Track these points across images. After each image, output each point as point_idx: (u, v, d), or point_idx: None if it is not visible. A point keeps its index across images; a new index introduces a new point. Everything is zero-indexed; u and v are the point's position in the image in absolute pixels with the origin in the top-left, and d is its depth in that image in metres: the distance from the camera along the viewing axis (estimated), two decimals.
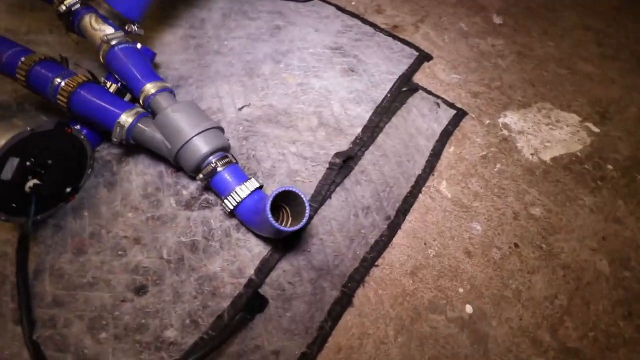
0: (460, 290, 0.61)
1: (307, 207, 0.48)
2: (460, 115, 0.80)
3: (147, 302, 0.53)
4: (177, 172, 0.63)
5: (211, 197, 0.61)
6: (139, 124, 0.56)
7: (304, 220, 0.47)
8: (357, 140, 0.70)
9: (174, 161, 0.57)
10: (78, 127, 0.63)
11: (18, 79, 0.55)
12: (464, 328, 0.58)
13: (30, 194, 0.51)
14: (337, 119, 0.72)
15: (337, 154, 0.66)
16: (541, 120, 0.84)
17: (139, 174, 0.63)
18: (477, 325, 0.58)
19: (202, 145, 0.54)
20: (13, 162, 0.48)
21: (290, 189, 0.47)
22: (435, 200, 0.69)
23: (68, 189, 0.58)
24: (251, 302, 0.53)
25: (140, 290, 0.54)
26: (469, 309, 0.60)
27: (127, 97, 0.65)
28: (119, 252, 0.56)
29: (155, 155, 0.62)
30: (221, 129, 0.59)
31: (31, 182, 0.51)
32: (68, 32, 0.64)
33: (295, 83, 0.76)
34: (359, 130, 0.71)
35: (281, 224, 0.50)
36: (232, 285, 0.55)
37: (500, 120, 0.82)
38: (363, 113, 0.74)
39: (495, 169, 0.75)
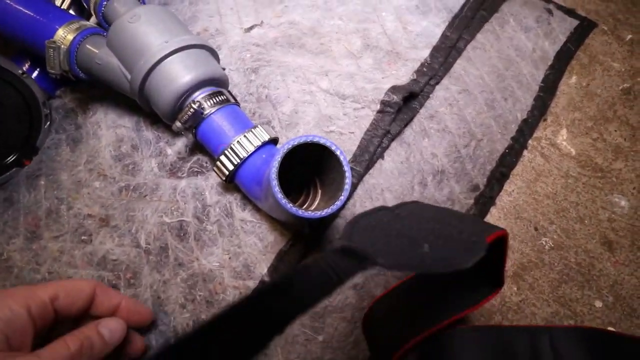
0: (598, 304, 0.38)
1: (348, 175, 0.26)
2: (585, 27, 0.51)
3: None
4: (158, 122, 0.44)
5: (206, 158, 0.41)
6: (86, 45, 0.36)
7: (342, 198, 0.26)
8: (424, 69, 0.45)
9: (141, 101, 0.37)
10: (27, 64, 0.45)
11: None
12: None
13: None
14: (391, 38, 0.48)
15: (393, 89, 0.43)
16: None
17: (110, 126, 0.44)
18: None
19: (179, 72, 0.34)
20: None
21: (315, 138, 0.26)
22: (551, 160, 0.44)
23: (16, 151, 0.42)
24: None
25: None
26: None
27: (93, 20, 0.45)
28: (82, 238, 0.40)
29: (131, 100, 0.43)
30: (212, 51, 0.38)
31: None
32: None
33: None
34: (426, 53, 0.46)
35: (305, 202, 0.30)
36: (235, 290, 0.36)
37: None
38: (432, 27, 0.48)
39: None
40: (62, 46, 0.35)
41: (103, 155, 0.43)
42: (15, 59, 0.45)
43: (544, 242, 0.40)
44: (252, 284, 0.36)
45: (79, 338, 0.25)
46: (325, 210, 0.26)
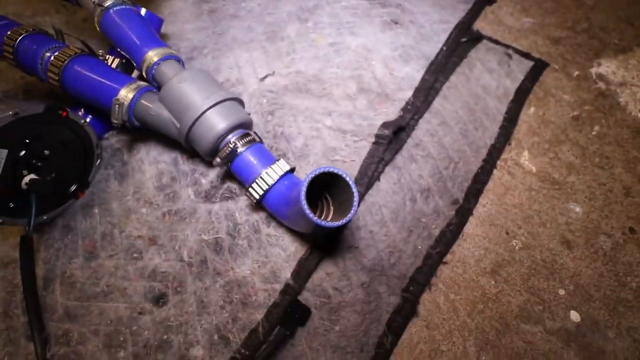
0: (561, 292, 0.46)
1: (355, 194, 0.36)
2: (539, 67, 0.63)
3: (168, 314, 0.44)
4: (193, 158, 0.53)
5: (234, 185, 0.51)
6: (142, 101, 0.46)
7: (352, 211, 0.35)
8: (409, 107, 0.56)
9: (186, 144, 0.47)
10: (81, 113, 0.55)
11: (6, 57, 0.47)
12: (571, 342, 0.44)
13: (28, 191, 0.44)
14: (380, 82, 0.59)
15: (384, 125, 0.53)
16: None
17: (152, 162, 0.54)
18: (588, 338, 0.44)
19: (217, 121, 0.43)
20: (1, 154, 0.41)
21: (332, 169, 0.35)
22: (516, 177, 0.53)
23: (74, 185, 0.50)
24: (290, 314, 0.42)
25: (160, 299, 0.45)
26: (574, 316, 0.45)
27: (135, 74, 0.56)
28: (134, 255, 0.48)
29: (169, 139, 0.53)
30: (240, 102, 0.48)
31: (27, 178, 0.43)
32: (62, 2, 0.55)
33: (326, 44, 0.63)
34: (409, 94, 0.57)
35: (320, 217, 0.39)
36: (265, 292, 0.44)
37: (593, 70, 0.63)
38: (413, 73, 0.59)
39: (594, 133, 0.57)
40: (125, 102, 0.45)
41: (147, 186, 0.52)
42: (72, 108, 0.55)
43: (514, 244, 0.49)
44: (278, 286, 0.44)
45: None
46: (341, 221, 0.35)
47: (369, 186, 0.50)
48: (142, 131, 0.56)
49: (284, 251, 0.46)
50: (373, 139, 0.52)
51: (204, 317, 0.43)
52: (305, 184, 0.34)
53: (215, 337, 0.42)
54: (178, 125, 0.45)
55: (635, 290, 0.46)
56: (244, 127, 0.47)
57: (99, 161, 0.54)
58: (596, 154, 0.55)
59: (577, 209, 0.51)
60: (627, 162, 0.55)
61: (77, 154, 0.51)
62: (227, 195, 0.50)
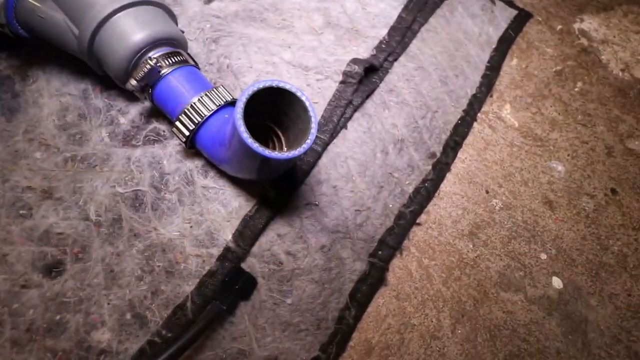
0: (543, 256, 0.41)
1: (313, 117, 0.27)
2: (523, 17, 0.57)
3: (64, 287, 0.33)
4: (109, 90, 0.41)
5: (163, 126, 0.40)
6: None
7: (310, 139, 0.27)
8: (383, 46, 0.47)
9: (90, 60, 0.35)
10: None
11: None
12: (553, 311, 0.39)
13: None
14: (351, 17, 0.49)
15: (354, 61, 0.44)
16: (629, 27, 0.61)
17: (54, 94, 0.41)
18: (571, 306, 0.39)
19: (132, 28, 0.32)
20: None
21: (279, 83, 0.26)
22: (497, 131, 0.47)
23: None
24: (229, 284, 0.33)
25: (53, 269, 0.34)
26: (557, 282, 0.40)
27: None
28: (21, 212, 0.36)
29: (79, 65, 0.40)
30: (168, 11, 0.37)
31: None
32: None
33: None
34: (384, 32, 0.49)
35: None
36: (197, 258, 0.35)
37: (576, 25, 0.59)
38: (389, 10, 0.51)
39: (576, 89, 0.53)
40: None
41: (45, 124, 0.39)
42: None
43: (494, 204, 0.43)
44: (215, 251, 0.35)
45: None
46: (293, 152, 0.26)
47: (333, 134, 0.42)
48: (40, 54, 0.42)
49: (224, 207, 0.36)
50: (340, 78, 0.43)
51: (114, 290, 0.33)
52: (243, 99, 0.24)
53: (128, 315, 0.32)
54: (77, 32, 0.33)
55: (617, 255, 0.43)
56: (173, 45, 0.35)
57: None
58: (579, 111, 0.51)
59: (560, 168, 0.46)
60: (609, 120, 0.51)
61: None
62: (152, 137, 0.39)
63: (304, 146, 0.26)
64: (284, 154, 0.25)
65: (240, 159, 0.29)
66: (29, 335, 0.32)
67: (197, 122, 0.32)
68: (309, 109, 0.26)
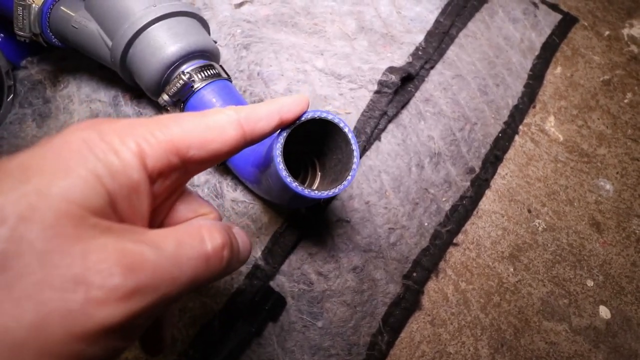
0: (590, 283, 0.38)
1: (356, 152, 0.25)
2: (568, 21, 0.53)
3: None
4: (139, 97, 0.40)
5: None
6: (61, 6, 0.33)
7: (351, 176, 0.25)
8: (419, 52, 0.45)
9: (123, 73, 0.34)
10: None
11: None
12: (599, 343, 0.36)
13: None
14: (385, 21, 0.47)
15: (390, 69, 0.42)
16: None
17: (84, 100, 0.40)
18: (619, 338, 0.36)
19: (166, 40, 0.31)
20: None
21: (324, 114, 0.24)
22: (541, 145, 0.44)
23: None
24: (258, 304, 0.32)
25: None
26: (604, 312, 0.37)
27: None
28: None
29: (108, 72, 0.40)
30: (202, 20, 0.35)
31: None
32: None
33: None
34: (420, 38, 0.46)
35: (304, 184, 0.28)
36: (226, 275, 0.33)
37: (625, 31, 0.55)
38: (425, 14, 0.48)
39: (626, 100, 0.49)
40: (34, 5, 0.31)
41: None
42: None
43: (537, 224, 0.40)
44: (244, 268, 0.34)
45: (220, 232, 0.15)
46: (333, 190, 0.24)
47: (367, 146, 0.40)
48: (72, 59, 0.42)
49: (253, 222, 0.35)
50: (375, 87, 0.41)
51: None
52: (284, 136, 0.23)
53: None
54: (110, 44, 0.32)
55: None
56: (207, 57, 0.34)
57: (11, 96, 0.41)
58: (628, 125, 0.47)
59: (608, 187, 0.43)
60: None
61: None
62: None
63: (345, 183, 0.24)
64: (322, 193, 0.24)
65: (273, 189, 0.27)
66: None
67: None
68: (352, 141, 0.25)
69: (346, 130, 0.25)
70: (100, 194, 0.12)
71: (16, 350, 0.10)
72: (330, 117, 0.24)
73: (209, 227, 0.15)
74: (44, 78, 0.42)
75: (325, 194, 0.24)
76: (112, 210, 0.13)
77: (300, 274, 0.34)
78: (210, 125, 0.16)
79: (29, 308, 0.10)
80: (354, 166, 0.25)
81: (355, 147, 0.25)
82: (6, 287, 0.10)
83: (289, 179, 0.23)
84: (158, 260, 0.12)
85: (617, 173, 0.44)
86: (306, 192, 0.23)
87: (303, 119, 0.23)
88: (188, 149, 0.15)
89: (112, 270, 0.11)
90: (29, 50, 0.42)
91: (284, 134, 0.23)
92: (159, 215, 0.18)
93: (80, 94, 0.41)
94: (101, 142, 0.13)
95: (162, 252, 0.13)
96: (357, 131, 0.40)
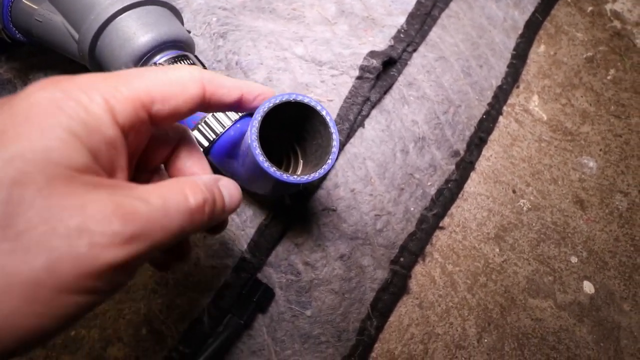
0: (574, 259, 0.39)
1: (334, 135, 0.25)
2: None
3: None
4: None
5: None
6: (22, 0, 0.31)
7: (330, 161, 0.25)
8: (401, 35, 0.44)
9: (91, 66, 0.32)
10: None
11: None
12: (584, 317, 0.37)
13: None
14: (366, 4, 0.46)
15: (371, 54, 0.41)
16: None
17: None
18: (603, 311, 0.37)
19: (136, 31, 0.30)
20: None
21: (299, 97, 0.23)
22: (525, 125, 0.44)
23: None
24: (246, 297, 0.32)
25: None
26: (588, 287, 0.38)
27: None
28: None
29: (79, 66, 0.38)
30: (173, 10, 0.34)
31: None
32: None
33: None
34: (401, 20, 0.45)
35: (287, 172, 0.28)
36: (212, 269, 0.33)
37: (608, 7, 0.54)
38: None
39: (609, 77, 0.49)
40: None
41: None
42: None
43: (522, 204, 0.41)
44: (230, 262, 0.33)
45: (202, 190, 0.16)
46: (313, 175, 0.24)
47: (350, 133, 0.39)
48: (40, 55, 0.40)
49: (237, 216, 0.35)
50: (357, 73, 0.41)
51: (127, 305, 0.32)
52: (259, 117, 0.22)
53: (143, 330, 0.31)
54: (77, 36, 0.31)
55: None
56: (181, 47, 0.33)
57: None
58: (612, 101, 0.47)
59: (592, 164, 0.44)
60: None
61: None
62: None
63: (325, 167, 0.24)
64: (301, 177, 0.23)
65: (254, 178, 0.27)
66: (45, 352, 0.31)
67: (212, 139, 0.30)
68: (330, 124, 0.24)
69: (324, 113, 0.24)
70: (82, 152, 0.13)
71: (32, 288, 0.11)
72: (306, 100, 0.24)
73: (191, 185, 0.16)
74: (13, 76, 0.40)
75: (304, 178, 0.24)
76: (96, 166, 0.14)
77: (287, 264, 0.34)
78: (173, 80, 0.16)
79: (39, 254, 0.11)
80: (334, 149, 0.25)
81: (334, 129, 0.25)
82: (15, 239, 0.11)
83: (266, 164, 0.23)
84: (149, 211, 0.14)
85: (601, 150, 0.44)
86: (284, 176, 0.23)
87: (278, 101, 0.23)
88: (152, 104, 0.16)
89: (111, 219, 0.12)
90: None
91: (259, 117, 0.22)
92: (151, 162, 0.20)
93: None
94: (69, 100, 0.13)
95: (151, 205, 0.14)
96: (340, 118, 0.39)
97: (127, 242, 0.13)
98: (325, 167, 0.24)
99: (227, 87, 0.19)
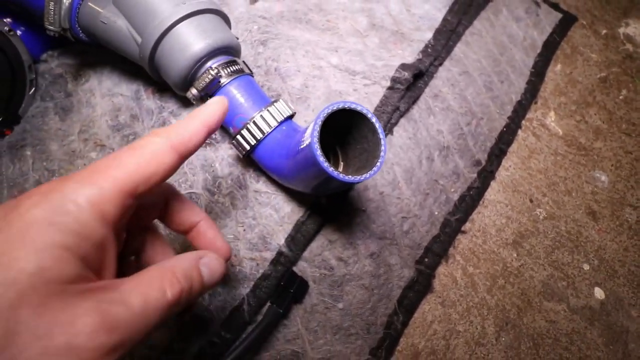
0: (586, 267, 0.42)
1: (383, 141, 0.27)
2: (568, 20, 0.56)
3: None
4: (161, 92, 0.41)
5: None
6: (88, 3, 0.34)
7: (379, 164, 0.27)
8: (428, 50, 0.47)
9: (151, 69, 0.35)
10: (8, 20, 0.41)
11: None
12: (594, 321, 0.39)
13: None
14: (395, 19, 0.49)
15: (403, 66, 0.44)
16: None
17: (106, 94, 0.41)
18: (612, 316, 0.40)
19: (194, 38, 0.32)
20: None
21: (353, 105, 0.26)
22: (542, 139, 0.47)
23: None
24: (283, 288, 0.34)
25: None
26: (599, 293, 0.41)
27: None
28: None
29: (130, 65, 0.41)
30: (225, 18, 0.37)
31: None
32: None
33: None
34: (429, 35, 0.48)
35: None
36: (252, 261, 0.36)
37: (621, 30, 0.57)
38: (434, 12, 0.50)
39: (621, 97, 0.52)
40: (65, 0, 0.32)
41: (99, 125, 0.40)
42: None
43: (538, 213, 0.43)
44: (269, 255, 0.36)
45: (179, 281, 0.17)
46: (364, 175, 0.26)
47: None
48: (93, 53, 0.43)
49: (276, 212, 0.37)
50: (388, 84, 0.43)
51: None
52: (320, 122, 0.25)
53: (187, 316, 0.33)
54: (139, 40, 0.33)
55: None
56: (231, 53, 0.36)
57: (33, 89, 0.41)
58: (623, 120, 0.50)
59: (603, 178, 0.46)
60: None
61: (1, 78, 0.38)
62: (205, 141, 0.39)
63: (375, 169, 0.26)
64: (356, 177, 0.26)
65: (302, 176, 0.29)
66: None
67: (258, 138, 0.32)
68: (379, 131, 0.27)
69: (374, 120, 0.27)
70: (74, 264, 0.15)
71: None
72: (359, 108, 0.26)
73: (170, 278, 0.17)
74: (64, 72, 0.43)
75: (358, 178, 0.26)
76: (86, 271, 0.15)
77: (321, 260, 0.37)
78: (149, 158, 0.18)
79: None
80: (382, 153, 0.27)
81: (382, 135, 0.27)
82: (12, 358, 0.13)
83: (325, 164, 0.25)
84: (131, 318, 0.15)
85: (612, 165, 0.47)
86: (341, 176, 0.25)
87: (335, 107, 0.25)
88: (136, 189, 0.17)
89: (98, 332, 0.14)
90: (49, 43, 0.43)
91: (319, 122, 0.25)
92: (144, 223, 0.23)
93: (102, 88, 0.42)
94: (60, 216, 0.15)
95: (132, 310, 0.15)
96: None
97: (112, 350, 0.14)
98: (375, 169, 0.27)
99: (194, 134, 0.20)
